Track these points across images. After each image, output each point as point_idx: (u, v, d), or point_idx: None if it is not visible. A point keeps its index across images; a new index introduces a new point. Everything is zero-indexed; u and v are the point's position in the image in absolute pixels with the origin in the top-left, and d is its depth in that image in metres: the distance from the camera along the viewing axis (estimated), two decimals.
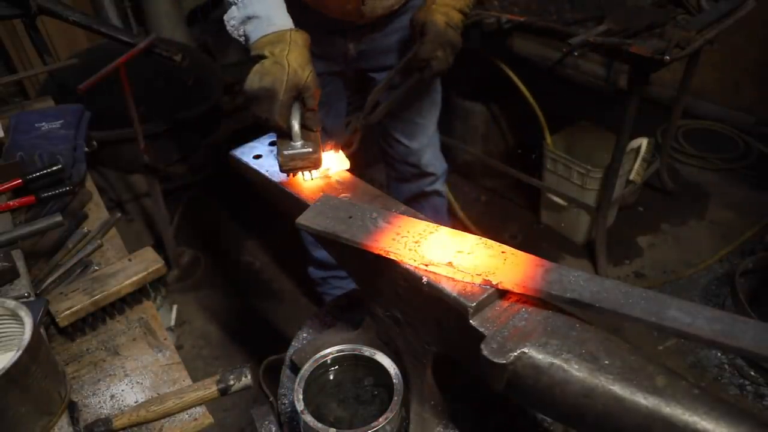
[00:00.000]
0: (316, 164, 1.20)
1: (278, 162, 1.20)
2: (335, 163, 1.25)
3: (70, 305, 1.14)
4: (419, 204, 2.21)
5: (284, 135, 1.22)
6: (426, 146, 2.06)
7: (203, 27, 4.12)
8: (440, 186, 2.22)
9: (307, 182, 1.21)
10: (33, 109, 1.76)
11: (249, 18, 1.29)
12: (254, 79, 1.22)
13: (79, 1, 3.15)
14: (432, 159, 2.11)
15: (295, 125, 1.21)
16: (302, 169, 1.20)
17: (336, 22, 1.66)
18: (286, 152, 1.18)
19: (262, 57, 1.24)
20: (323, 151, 1.23)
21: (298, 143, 1.19)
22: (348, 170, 1.25)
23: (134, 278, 1.20)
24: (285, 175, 1.22)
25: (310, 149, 1.19)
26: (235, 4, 1.32)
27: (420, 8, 1.61)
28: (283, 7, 1.34)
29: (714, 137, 3.51)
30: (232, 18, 1.33)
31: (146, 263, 1.23)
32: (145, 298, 1.25)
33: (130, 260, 1.24)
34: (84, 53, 2.91)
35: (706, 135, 3.53)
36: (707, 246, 2.89)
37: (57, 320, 1.12)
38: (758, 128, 3.44)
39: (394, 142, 2.06)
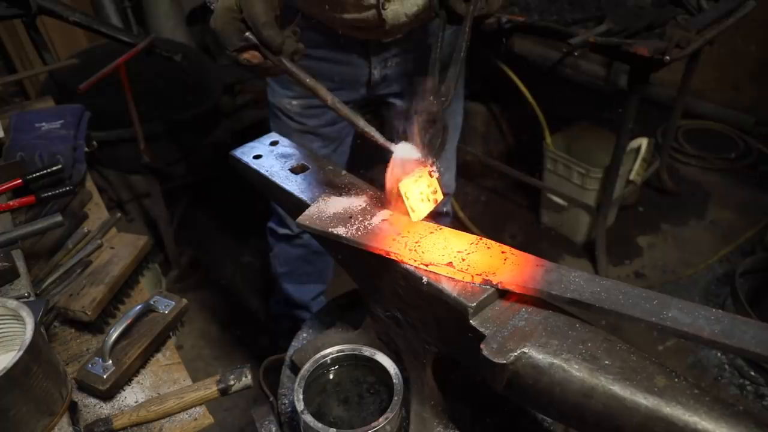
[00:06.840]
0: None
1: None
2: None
3: (92, 297, 1.15)
4: None
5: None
6: (444, 169, 1.92)
7: (203, 27, 4.12)
8: (449, 206, 2.15)
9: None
10: (33, 109, 1.76)
11: None
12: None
13: (79, 1, 3.15)
14: (447, 180, 2.02)
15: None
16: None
17: (358, 41, 1.51)
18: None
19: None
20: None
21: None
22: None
23: (130, 258, 1.24)
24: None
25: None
26: None
27: None
28: None
29: (714, 137, 3.51)
30: None
31: (130, 242, 1.28)
32: (140, 276, 1.29)
33: (112, 248, 1.27)
34: (84, 53, 2.92)
35: (706, 135, 3.53)
36: (707, 246, 2.89)
37: (88, 313, 1.13)
38: (758, 128, 3.45)
39: None
